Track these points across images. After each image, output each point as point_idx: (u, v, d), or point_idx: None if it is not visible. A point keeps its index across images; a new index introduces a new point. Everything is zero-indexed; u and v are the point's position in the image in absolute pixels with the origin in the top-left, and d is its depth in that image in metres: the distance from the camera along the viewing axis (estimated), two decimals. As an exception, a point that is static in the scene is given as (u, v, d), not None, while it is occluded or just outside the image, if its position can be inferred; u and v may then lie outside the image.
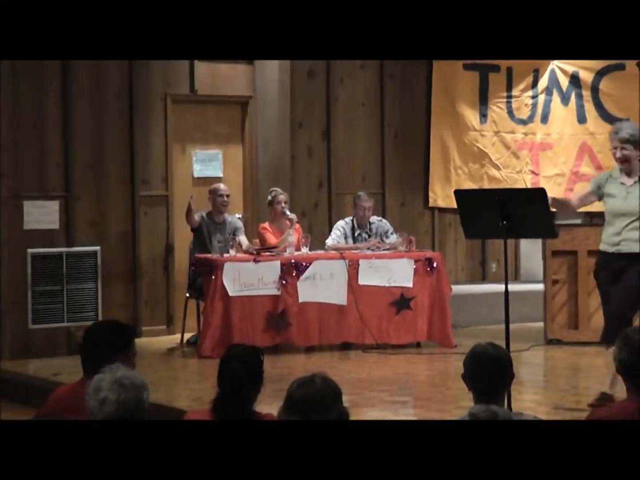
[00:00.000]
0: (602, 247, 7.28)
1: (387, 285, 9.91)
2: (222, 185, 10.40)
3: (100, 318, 9.91)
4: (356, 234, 10.37)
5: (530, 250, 11.72)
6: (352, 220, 10.39)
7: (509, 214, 6.64)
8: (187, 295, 10.27)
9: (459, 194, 7.24)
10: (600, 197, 7.35)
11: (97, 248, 10.32)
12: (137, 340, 5.13)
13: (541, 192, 6.91)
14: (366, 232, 10.37)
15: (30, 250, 10.00)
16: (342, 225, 10.41)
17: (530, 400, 7.28)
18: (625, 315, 7.00)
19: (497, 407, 3.81)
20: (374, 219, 10.47)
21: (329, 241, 10.33)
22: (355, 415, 3.80)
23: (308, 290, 9.69)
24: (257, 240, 10.26)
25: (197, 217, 10.13)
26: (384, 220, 10.62)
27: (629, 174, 7.21)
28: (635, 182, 7.16)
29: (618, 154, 7.19)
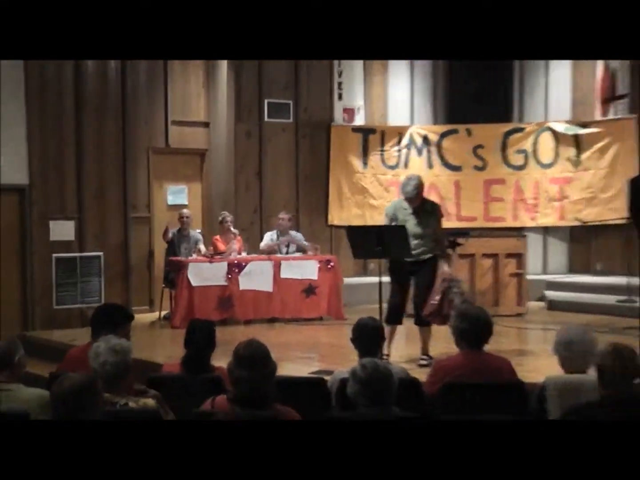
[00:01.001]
0: None
1: (300, 278, 9.88)
2: (183, 210, 10.33)
3: (103, 302, 9.74)
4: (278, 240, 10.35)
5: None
6: (276, 232, 10.37)
7: (381, 242, 6.64)
8: (163, 285, 10.13)
9: (350, 229, 7.14)
10: (395, 221, 7.03)
11: (101, 253, 10.13)
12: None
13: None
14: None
15: (54, 255, 9.80)
16: (270, 234, 10.38)
17: (394, 355, 7.28)
18: (418, 302, 7.03)
19: (377, 360, 3.84)
20: (292, 232, 10.43)
21: (262, 245, 10.28)
22: (280, 367, 3.77)
23: (246, 282, 9.63)
24: (212, 248, 10.16)
25: (170, 234, 10.08)
26: (299, 234, 10.60)
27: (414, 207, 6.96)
28: (420, 212, 6.96)
29: (409, 203, 6.92)
